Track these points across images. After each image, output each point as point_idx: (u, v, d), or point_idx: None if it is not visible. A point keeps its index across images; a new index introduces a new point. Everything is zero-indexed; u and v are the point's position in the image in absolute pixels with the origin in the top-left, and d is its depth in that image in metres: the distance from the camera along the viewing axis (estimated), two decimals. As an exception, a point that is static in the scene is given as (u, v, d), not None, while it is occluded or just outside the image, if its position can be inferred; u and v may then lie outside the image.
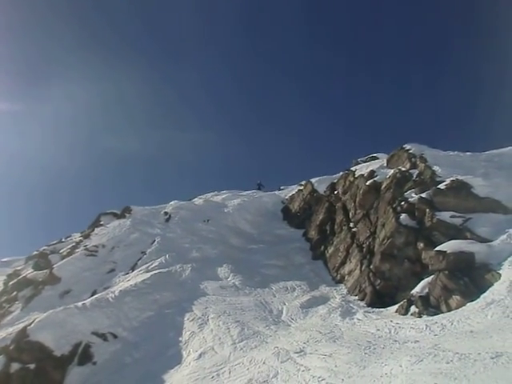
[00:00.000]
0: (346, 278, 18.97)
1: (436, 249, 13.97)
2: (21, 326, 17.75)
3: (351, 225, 21.94)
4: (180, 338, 15.23)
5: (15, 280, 27.27)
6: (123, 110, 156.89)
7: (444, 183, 17.05)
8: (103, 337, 16.40)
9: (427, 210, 16.25)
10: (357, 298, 16.57)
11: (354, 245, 20.05)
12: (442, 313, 11.59)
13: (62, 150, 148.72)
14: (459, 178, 16.92)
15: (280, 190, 42.90)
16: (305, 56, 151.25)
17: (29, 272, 27.52)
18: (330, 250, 22.40)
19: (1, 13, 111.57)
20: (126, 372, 14.45)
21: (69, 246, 30.34)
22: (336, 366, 8.96)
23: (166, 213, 33.71)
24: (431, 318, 11.19)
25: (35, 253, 33.45)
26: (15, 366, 14.90)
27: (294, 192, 36.81)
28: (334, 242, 22.49)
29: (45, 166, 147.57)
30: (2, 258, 43.23)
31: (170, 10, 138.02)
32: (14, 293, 25.05)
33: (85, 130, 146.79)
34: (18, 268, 32.41)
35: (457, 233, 14.71)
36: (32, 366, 14.93)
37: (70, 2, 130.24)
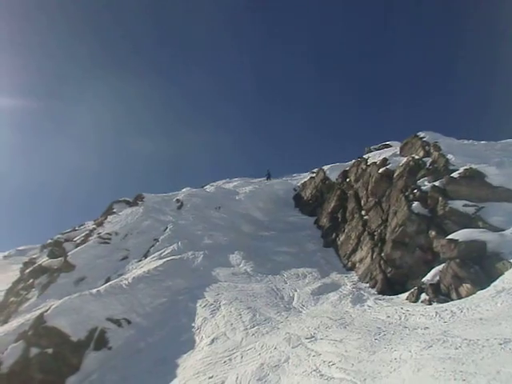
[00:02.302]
0: (357, 265, 19.05)
1: (448, 237, 13.93)
2: (38, 312, 18.16)
3: (363, 212, 21.94)
4: (193, 324, 15.45)
5: (31, 268, 27.82)
6: (133, 110, 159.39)
7: (457, 172, 16.93)
8: (118, 323, 16.70)
9: (440, 198, 16.19)
10: (368, 285, 16.65)
11: (366, 232, 20.08)
12: (452, 300, 11.62)
13: (80, 145, 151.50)
14: (473, 166, 16.78)
15: (292, 177, 42.98)
16: (316, 43, 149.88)
17: (44, 260, 28.03)
18: (342, 237, 22.45)
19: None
20: (140, 356, 14.73)
21: (82, 234, 30.78)
22: (346, 352, 9.08)
23: (178, 200, 33.95)
24: (441, 305, 11.23)
25: (50, 241, 34.07)
26: (34, 351, 15.22)
27: (305, 179, 36.88)
28: (346, 230, 22.53)
29: (59, 158, 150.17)
30: (18, 247, 44.31)
31: (181, 12, 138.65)
32: (31, 280, 25.58)
33: (101, 129, 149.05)
34: (34, 256, 33.12)
35: (469, 221, 14.65)
36: (50, 350, 15.25)
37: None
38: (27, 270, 27.95)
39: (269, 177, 42.60)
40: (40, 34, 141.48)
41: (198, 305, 16.81)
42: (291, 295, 16.53)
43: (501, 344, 6.66)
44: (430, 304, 12.23)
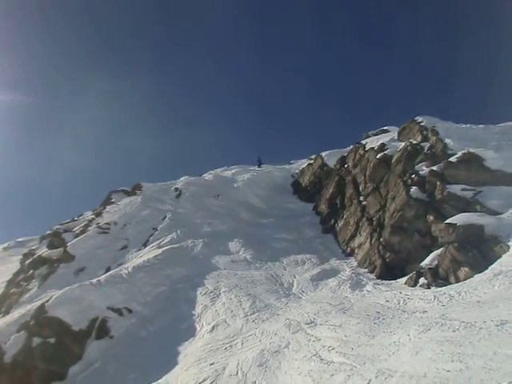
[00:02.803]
0: (355, 251, 19.12)
1: (446, 221, 13.99)
2: (39, 302, 18.22)
3: (361, 198, 21.96)
4: (193, 312, 15.54)
5: (31, 259, 27.84)
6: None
7: (455, 156, 16.93)
8: (119, 312, 16.80)
9: (438, 182, 16.21)
10: (367, 270, 16.73)
11: (364, 218, 20.12)
12: (451, 284, 11.71)
13: (75, 138, 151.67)
14: (471, 150, 16.76)
15: (290, 163, 42.92)
16: (312, 28, 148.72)
17: (44, 251, 28.05)
18: (340, 223, 22.50)
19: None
20: (142, 345, 14.86)
21: (81, 225, 30.79)
22: (346, 336, 9.15)
23: (176, 189, 33.90)
24: (439, 289, 11.30)
25: (49, 232, 34.05)
26: (36, 341, 15.36)
27: (303, 166, 36.84)
28: (344, 216, 22.57)
29: (56, 150, 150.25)
30: (17, 238, 44.34)
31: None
32: (31, 271, 25.61)
33: (97, 123, 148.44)
34: (33, 247, 33.12)
35: (467, 206, 14.69)
36: (52, 340, 15.39)
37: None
38: (27, 261, 27.97)
39: (260, 164, 42.33)
40: (21, 33, 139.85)
41: (198, 292, 16.90)
42: (291, 281, 16.61)
43: (497, 326, 6.73)
44: (429, 288, 12.31)
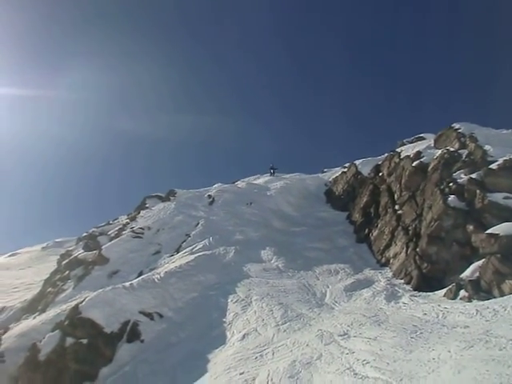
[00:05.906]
0: (391, 261, 18.58)
1: (487, 231, 13.42)
2: (73, 303, 18.66)
3: (396, 207, 21.39)
4: (224, 319, 15.44)
5: (67, 260, 28.55)
6: (162, 96, 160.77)
7: (496, 163, 16.31)
8: (150, 316, 16.89)
9: (477, 191, 15.60)
10: (402, 281, 16.20)
11: (400, 227, 19.55)
12: (494, 298, 11.14)
13: (110, 137, 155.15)
14: (513, 157, 16.11)
15: (323, 172, 42.41)
16: (349, 32, 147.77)
17: (80, 252, 28.72)
18: (375, 232, 21.97)
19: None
20: (171, 350, 14.82)
21: (116, 228, 31.40)
22: (381, 350, 8.80)
23: (209, 196, 34.03)
24: (482, 302, 10.76)
25: (85, 234, 34.91)
26: (70, 341, 15.70)
27: (337, 174, 36.33)
28: (379, 225, 22.03)
29: (93, 152, 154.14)
30: (56, 239, 45.67)
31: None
32: (67, 272, 26.26)
33: (128, 118, 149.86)
34: (70, 248, 33.99)
35: (510, 215, 14.04)
36: (85, 341, 15.66)
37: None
38: (64, 262, 28.68)
39: (273, 172, 41.36)
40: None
41: (229, 300, 16.79)
42: (323, 291, 16.27)
43: (550, 345, 6.27)
44: (470, 301, 11.75)
